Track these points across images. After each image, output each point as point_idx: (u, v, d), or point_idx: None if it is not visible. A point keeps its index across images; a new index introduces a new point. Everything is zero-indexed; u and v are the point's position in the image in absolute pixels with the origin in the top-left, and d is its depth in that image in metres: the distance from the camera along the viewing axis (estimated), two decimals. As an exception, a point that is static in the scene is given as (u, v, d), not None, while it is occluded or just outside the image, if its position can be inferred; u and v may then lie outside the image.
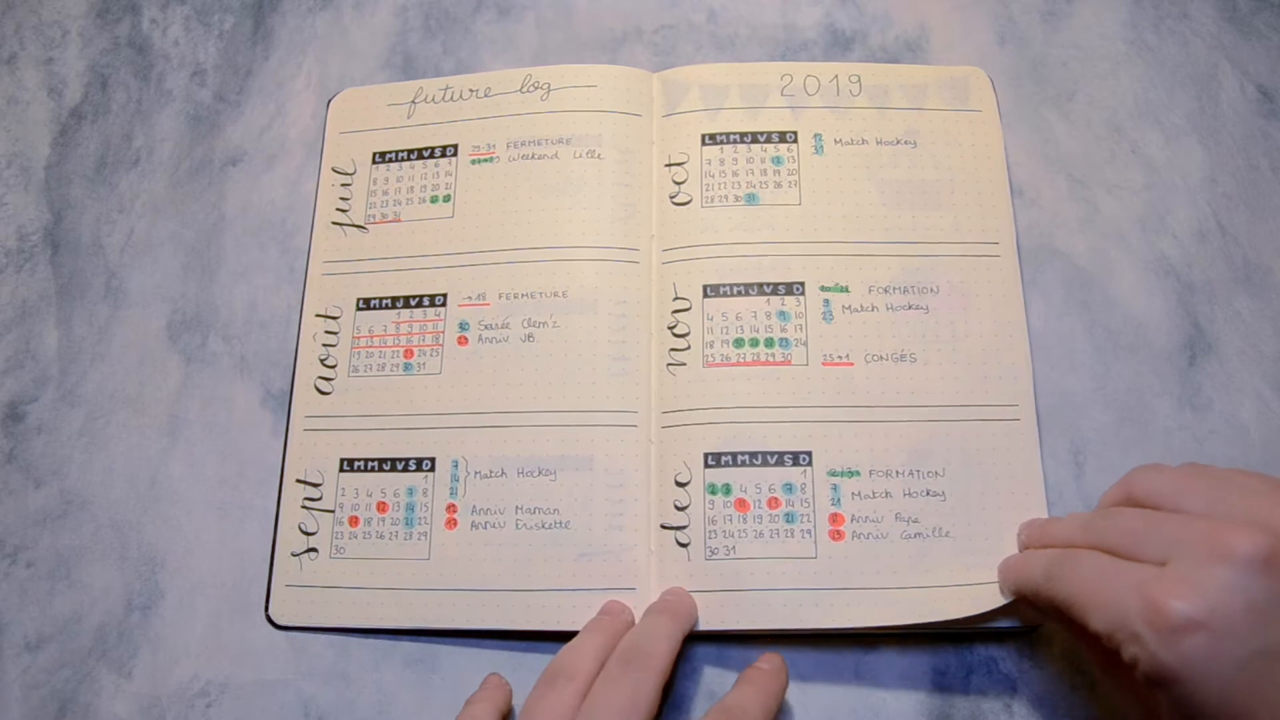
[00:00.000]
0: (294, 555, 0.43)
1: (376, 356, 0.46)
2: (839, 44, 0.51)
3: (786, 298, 0.45)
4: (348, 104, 0.51)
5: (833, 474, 0.42)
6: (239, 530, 0.44)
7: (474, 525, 0.43)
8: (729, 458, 0.42)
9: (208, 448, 0.45)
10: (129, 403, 0.46)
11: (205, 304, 0.48)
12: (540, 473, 0.43)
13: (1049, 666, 0.41)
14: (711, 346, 0.44)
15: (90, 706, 0.42)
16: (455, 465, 0.44)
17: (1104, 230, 0.48)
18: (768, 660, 0.39)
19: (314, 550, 0.43)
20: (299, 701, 0.42)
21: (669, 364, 0.44)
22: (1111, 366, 0.45)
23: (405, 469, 0.44)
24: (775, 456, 0.42)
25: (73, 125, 0.51)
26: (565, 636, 0.41)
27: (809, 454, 0.42)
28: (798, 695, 0.41)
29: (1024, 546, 0.40)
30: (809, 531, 0.41)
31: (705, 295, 0.45)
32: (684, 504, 0.42)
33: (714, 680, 0.41)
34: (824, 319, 0.44)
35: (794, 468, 0.42)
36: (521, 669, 0.42)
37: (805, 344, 0.44)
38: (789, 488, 0.42)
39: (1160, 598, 0.29)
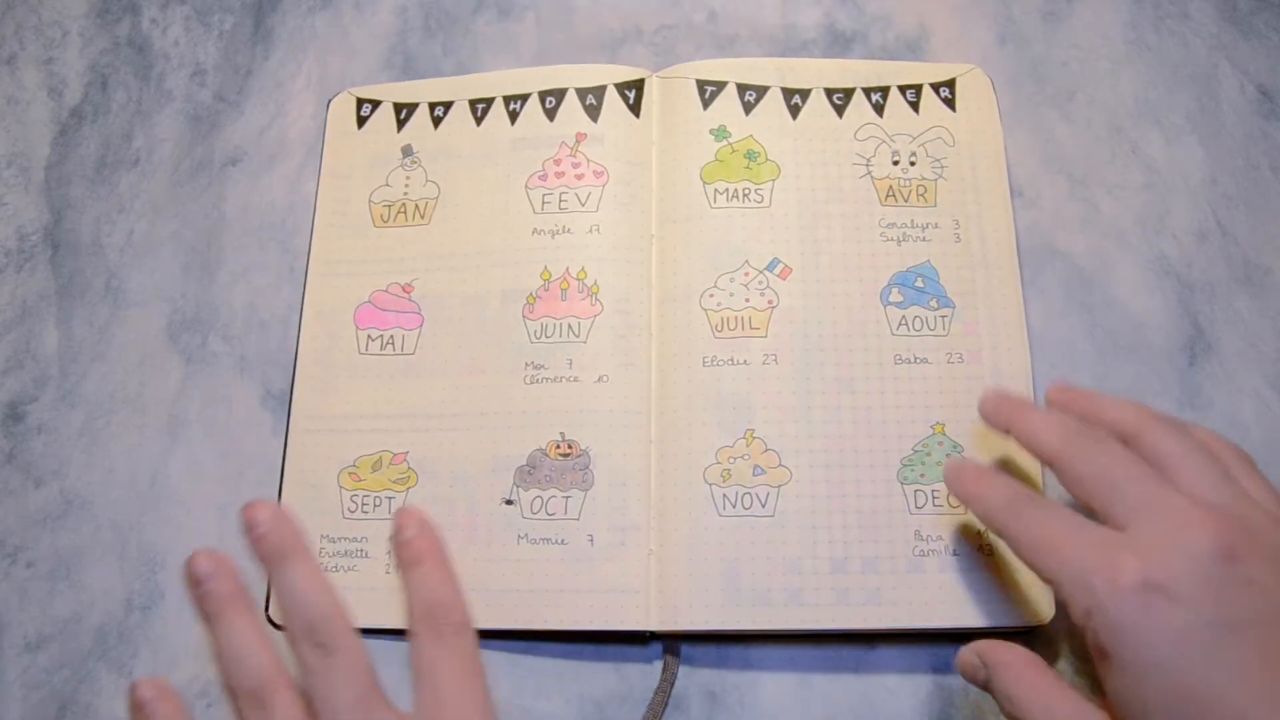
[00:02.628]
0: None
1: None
2: (839, 44, 0.51)
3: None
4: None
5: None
6: (239, 530, 0.44)
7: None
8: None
9: (208, 448, 0.45)
10: (129, 403, 0.46)
11: (205, 304, 0.48)
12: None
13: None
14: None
15: (90, 706, 0.42)
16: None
17: (1104, 230, 0.48)
18: None
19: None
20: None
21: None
22: (1111, 366, 0.45)
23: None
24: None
25: (73, 125, 0.51)
26: (565, 636, 0.41)
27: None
28: (799, 690, 0.41)
29: (992, 411, 0.37)
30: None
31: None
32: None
33: (714, 680, 0.42)
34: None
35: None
36: (520, 669, 0.42)
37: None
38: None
39: (1122, 557, 0.30)
